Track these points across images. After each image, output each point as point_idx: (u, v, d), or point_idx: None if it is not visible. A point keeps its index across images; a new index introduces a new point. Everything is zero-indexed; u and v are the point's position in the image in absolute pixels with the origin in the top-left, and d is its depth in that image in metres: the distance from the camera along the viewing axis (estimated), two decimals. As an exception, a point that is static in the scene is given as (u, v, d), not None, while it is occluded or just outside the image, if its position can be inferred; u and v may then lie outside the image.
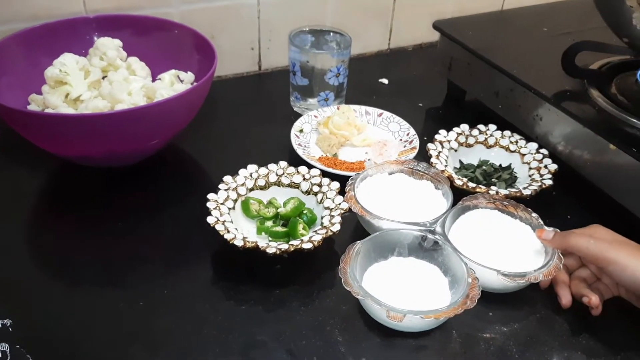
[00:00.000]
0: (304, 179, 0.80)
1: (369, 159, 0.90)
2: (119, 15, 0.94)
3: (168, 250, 0.75)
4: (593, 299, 0.65)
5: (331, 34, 1.01)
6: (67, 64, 0.83)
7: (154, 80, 0.91)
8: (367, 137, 0.95)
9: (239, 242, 0.68)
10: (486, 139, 0.90)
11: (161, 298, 0.68)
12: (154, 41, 0.94)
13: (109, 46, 0.88)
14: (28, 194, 0.83)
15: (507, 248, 0.71)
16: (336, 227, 0.72)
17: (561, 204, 0.84)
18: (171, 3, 1.00)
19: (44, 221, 0.80)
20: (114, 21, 0.93)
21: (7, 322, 0.63)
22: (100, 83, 0.87)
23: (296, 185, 0.80)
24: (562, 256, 0.68)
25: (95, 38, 0.91)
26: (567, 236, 0.67)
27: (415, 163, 0.82)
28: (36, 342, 0.62)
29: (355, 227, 0.80)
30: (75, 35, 0.91)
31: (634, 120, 0.79)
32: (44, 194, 0.84)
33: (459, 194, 0.77)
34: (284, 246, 0.69)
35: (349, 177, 0.80)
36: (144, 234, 0.77)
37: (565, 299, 0.68)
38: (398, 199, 0.78)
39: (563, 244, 0.68)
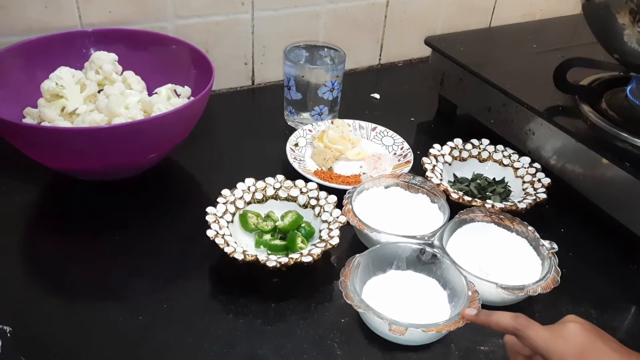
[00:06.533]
0: (301, 193, 0.81)
1: (364, 173, 0.91)
2: (115, 29, 0.94)
3: (166, 263, 0.75)
4: None
5: (325, 49, 1.02)
6: (63, 77, 0.83)
7: (149, 94, 0.91)
8: (361, 150, 0.95)
9: (239, 256, 0.68)
10: (479, 153, 0.91)
11: (160, 312, 0.68)
12: (150, 55, 0.93)
13: (104, 60, 0.88)
14: (23, 207, 0.82)
15: (505, 261, 0.72)
16: (335, 241, 0.72)
17: (555, 217, 0.86)
18: (166, 17, 1.01)
19: (40, 235, 0.79)
20: (110, 35, 0.93)
21: (7, 328, 0.63)
22: (96, 97, 0.86)
23: (293, 199, 0.81)
24: (559, 269, 0.69)
25: (91, 52, 0.90)
26: (492, 315, 0.57)
27: (411, 177, 0.83)
28: (34, 357, 0.62)
29: (351, 240, 0.80)
30: (71, 48, 0.91)
31: (625, 135, 0.80)
32: (39, 207, 0.84)
33: (454, 208, 0.78)
34: (284, 259, 0.69)
35: (345, 190, 0.80)
36: (141, 247, 0.77)
37: None
38: (395, 213, 0.78)
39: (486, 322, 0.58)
